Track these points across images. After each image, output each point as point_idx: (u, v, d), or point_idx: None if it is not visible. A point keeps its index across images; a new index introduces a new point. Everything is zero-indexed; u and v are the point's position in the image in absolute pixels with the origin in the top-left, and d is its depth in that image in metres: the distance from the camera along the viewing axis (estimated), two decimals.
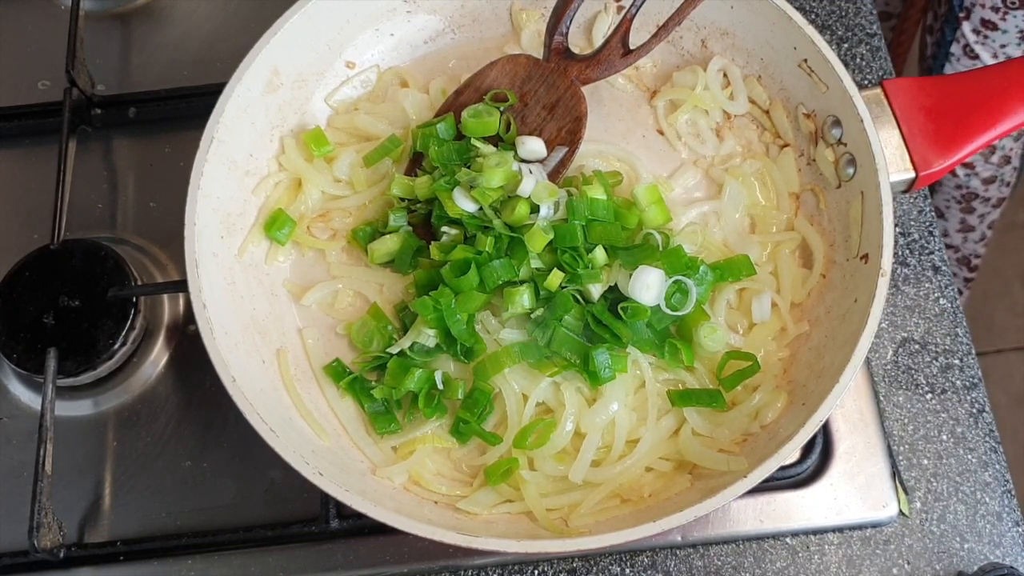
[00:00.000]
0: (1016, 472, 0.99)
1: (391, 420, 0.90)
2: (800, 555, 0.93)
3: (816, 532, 0.94)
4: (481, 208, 0.91)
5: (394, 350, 0.90)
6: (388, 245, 0.95)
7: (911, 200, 1.09)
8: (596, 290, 0.89)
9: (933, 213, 1.08)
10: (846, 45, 1.16)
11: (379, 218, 0.98)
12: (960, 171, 1.61)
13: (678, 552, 0.94)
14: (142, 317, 0.99)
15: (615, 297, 0.90)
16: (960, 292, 0.98)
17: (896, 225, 1.02)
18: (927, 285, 1.05)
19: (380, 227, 0.97)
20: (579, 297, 0.90)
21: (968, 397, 1.00)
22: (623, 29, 0.96)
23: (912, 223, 1.08)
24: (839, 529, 0.94)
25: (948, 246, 1.75)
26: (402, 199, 0.97)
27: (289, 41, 0.97)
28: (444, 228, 0.93)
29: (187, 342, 1.02)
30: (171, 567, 0.92)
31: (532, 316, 0.90)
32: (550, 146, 0.96)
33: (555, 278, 0.88)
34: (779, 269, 0.96)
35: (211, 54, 1.16)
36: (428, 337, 0.89)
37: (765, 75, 1.02)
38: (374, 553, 0.92)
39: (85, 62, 1.10)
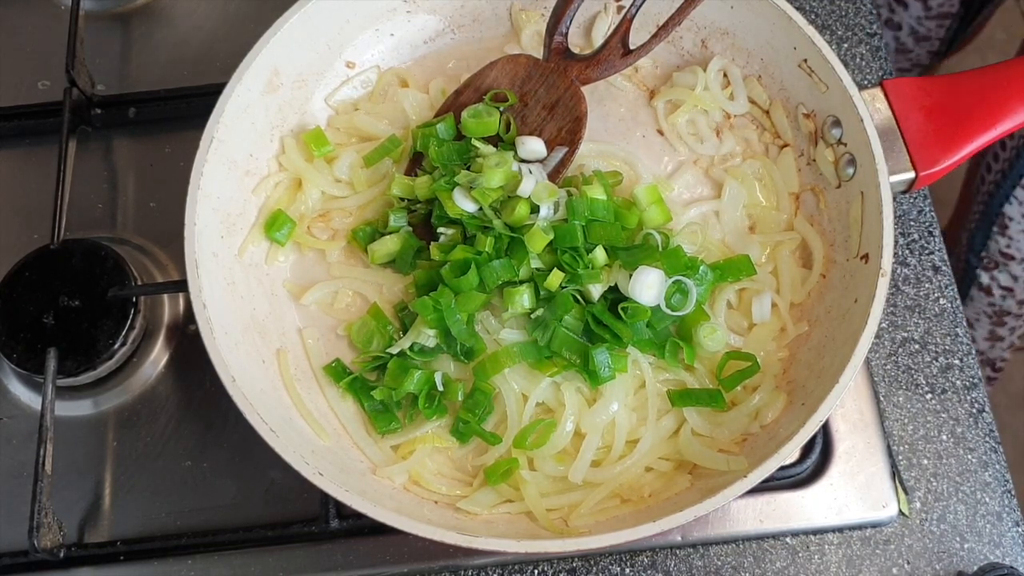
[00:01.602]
0: (1016, 472, 0.99)
1: (391, 419, 0.90)
2: (800, 555, 0.93)
3: (816, 532, 0.94)
4: (481, 208, 0.91)
5: (394, 350, 0.90)
6: (388, 245, 0.95)
7: (911, 200, 1.09)
8: (596, 290, 0.89)
9: (933, 213, 1.08)
10: (846, 45, 1.16)
11: (379, 218, 0.98)
12: (996, 291, 1.59)
13: (678, 552, 0.94)
14: (142, 317, 0.99)
15: (615, 297, 0.90)
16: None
17: (896, 225, 1.02)
18: (927, 285, 1.05)
19: (380, 227, 0.97)
20: (579, 297, 0.90)
21: (968, 397, 1.00)
22: (623, 29, 0.96)
23: (912, 223, 1.08)
24: (839, 529, 0.94)
25: (976, 350, 1.73)
26: (402, 199, 0.97)
27: (289, 41, 0.97)
28: (441, 229, 0.93)
29: (187, 342, 1.02)
30: (171, 567, 0.92)
31: (532, 316, 0.90)
32: (550, 146, 0.96)
33: (555, 278, 0.88)
34: (779, 269, 0.96)
35: (211, 54, 1.16)
36: (428, 337, 0.89)
37: (765, 75, 1.02)
38: (374, 553, 0.92)
39: (85, 62, 1.10)
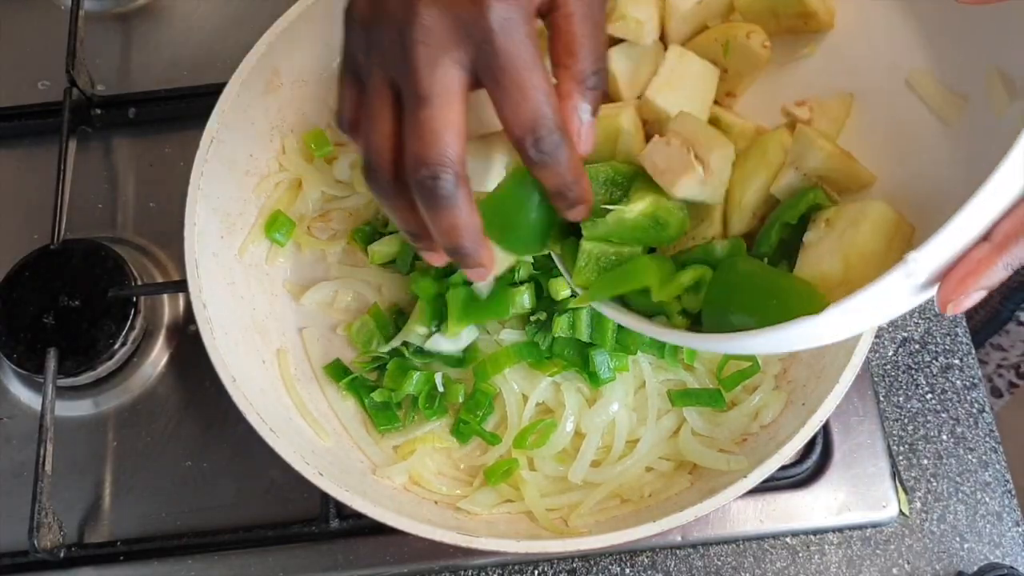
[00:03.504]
0: (1016, 472, 0.99)
1: (392, 416, 0.90)
2: (800, 555, 0.93)
3: (816, 532, 0.94)
4: None
5: (395, 344, 0.90)
6: (388, 246, 0.95)
7: None
8: None
9: None
10: None
11: (379, 218, 0.98)
12: None
13: (678, 552, 0.94)
14: (142, 317, 0.99)
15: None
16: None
17: None
18: None
19: (380, 227, 0.97)
20: None
21: (968, 397, 1.00)
22: None
23: None
24: (839, 529, 0.94)
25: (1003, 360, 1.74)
26: None
27: (289, 41, 0.96)
28: None
29: (187, 342, 1.02)
30: (171, 567, 0.92)
31: (531, 319, 0.89)
32: None
33: (559, 286, 0.88)
34: None
35: (211, 54, 1.16)
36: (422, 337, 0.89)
37: None
38: (374, 553, 0.92)
39: (85, 62, 1.10)
